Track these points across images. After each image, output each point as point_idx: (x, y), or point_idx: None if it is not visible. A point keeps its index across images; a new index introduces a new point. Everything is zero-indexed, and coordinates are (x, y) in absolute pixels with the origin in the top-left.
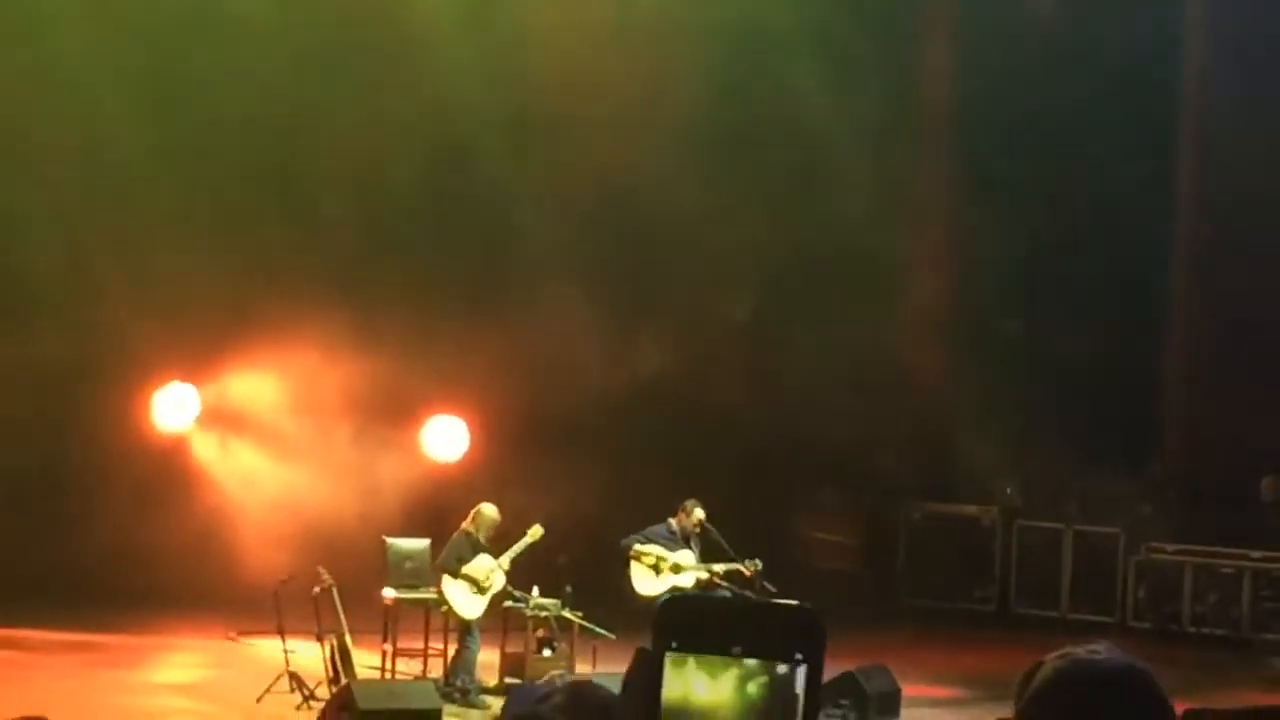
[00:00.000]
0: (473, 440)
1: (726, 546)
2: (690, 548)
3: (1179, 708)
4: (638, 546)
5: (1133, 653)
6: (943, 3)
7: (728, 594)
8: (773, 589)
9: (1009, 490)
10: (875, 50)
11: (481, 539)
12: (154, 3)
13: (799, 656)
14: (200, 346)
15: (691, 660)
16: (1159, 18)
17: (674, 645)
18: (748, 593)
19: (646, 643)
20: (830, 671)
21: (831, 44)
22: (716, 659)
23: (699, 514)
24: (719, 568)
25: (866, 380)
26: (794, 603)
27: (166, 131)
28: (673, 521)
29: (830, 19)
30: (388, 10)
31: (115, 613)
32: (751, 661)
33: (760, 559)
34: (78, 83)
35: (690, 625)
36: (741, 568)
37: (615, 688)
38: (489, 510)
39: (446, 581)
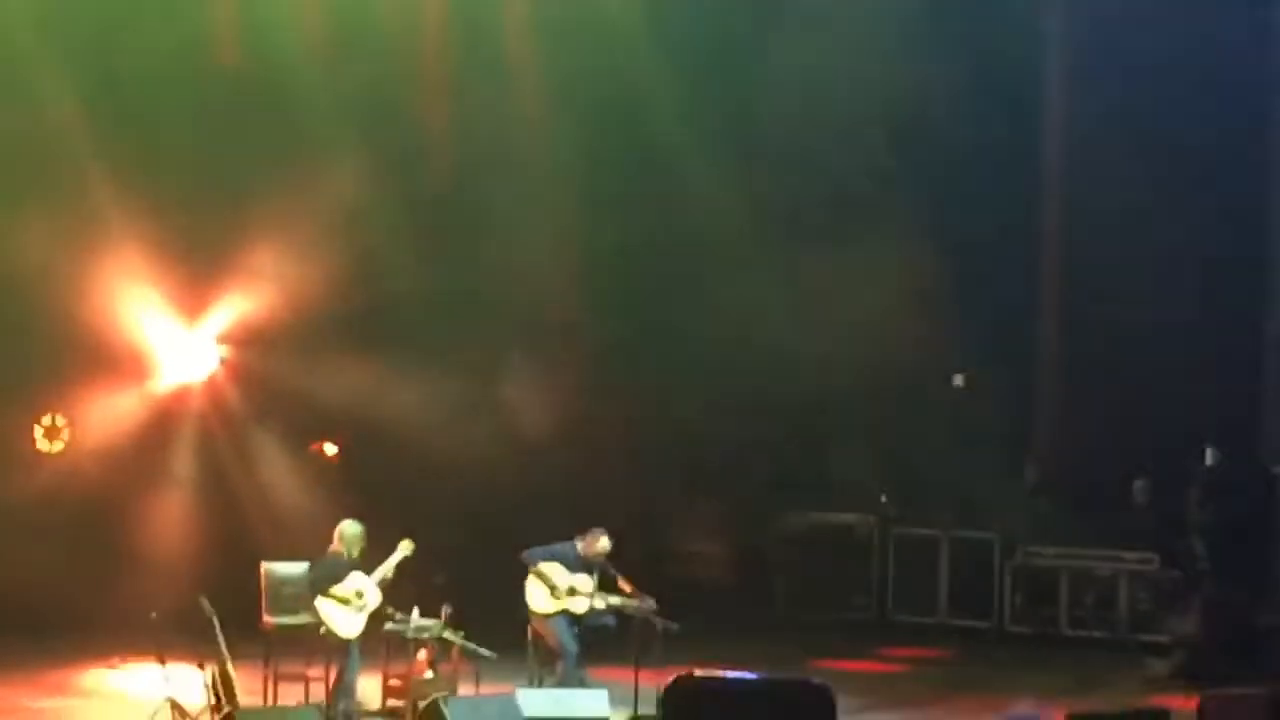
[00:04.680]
0: (347, 462)
1: (625, 586)
2: (590, 574)
3: (1061, 711)
4: (540, 565)
5: (1012, 658)
6: None
7: (612, 619)
8: (653, 604)
9: (883, 498)
10: None
11: (353, 556)
12: None
13: None
14: (76, 368)
15: None
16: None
17: None
18: (627, 607)
19: (528, 662)
20: None
21: None
22: None
23: (603, 544)
24: (615, 600)
25: (737, 386)
26: (805, 679)
27: None
28: (579, 544)
29: None
30: None
31: None
32: None
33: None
34: None
35: (700, 708)
36: (636, 606)
37: (498, 709)
38: (350, 526)
39: (320, 602)
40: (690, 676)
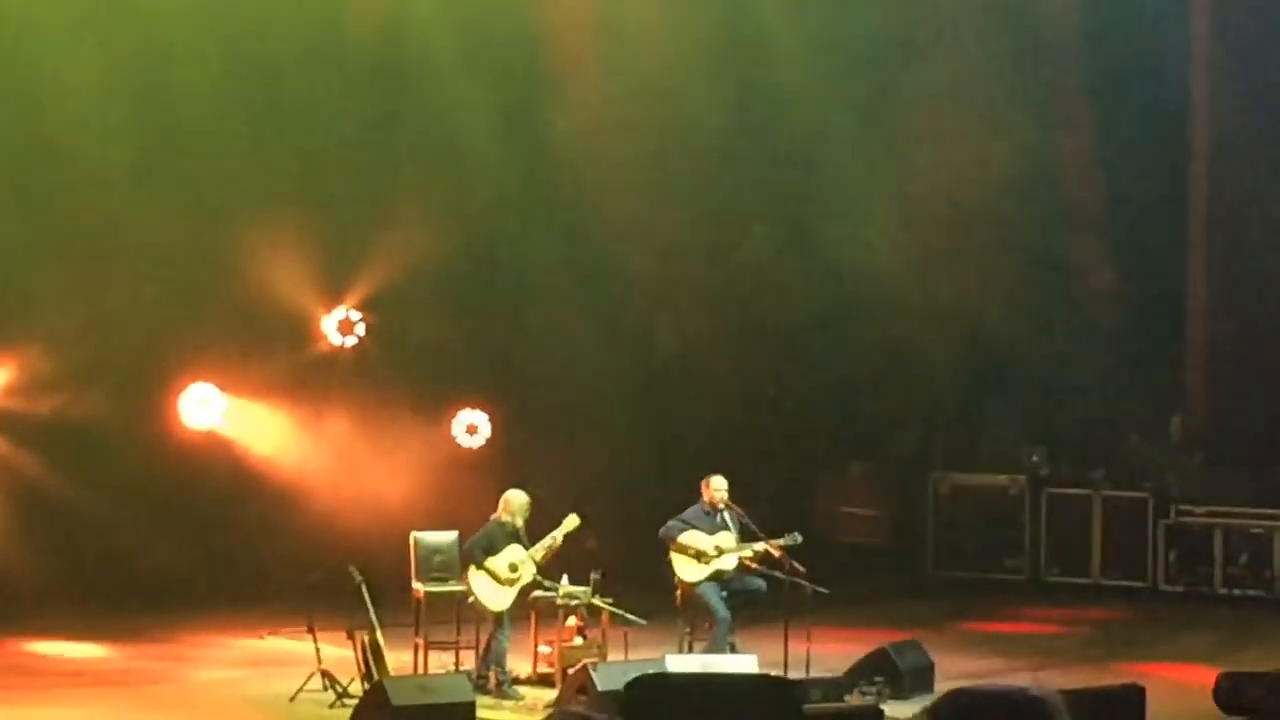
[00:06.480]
0: (495, 428)
1: (753, 526)
2: (728, 526)
3: (1214, 671)
4: (680, 538)
5: (1166, 617)
6: None
7: (761, 581)
8: (801, 569)
9: (1035, 458)
10: None
11: (516, 525)
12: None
13: None
14: (217, 343)
15: None
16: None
17: None
18: (777, 573)
19: (678, 628)
20: (862, 648)
21: None
22: None
23: (716, 482)
24: (760, 546)
25: (889, 353)
26: (766, 674)
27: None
28: (705, 502)
29: None
30: None
31: (143, 617)
32: None
33: (799, 535)
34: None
35: (662, 708)
36: (770, 548)
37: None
38: (516, 495)
39: (472, 573)
40: (651, 675)
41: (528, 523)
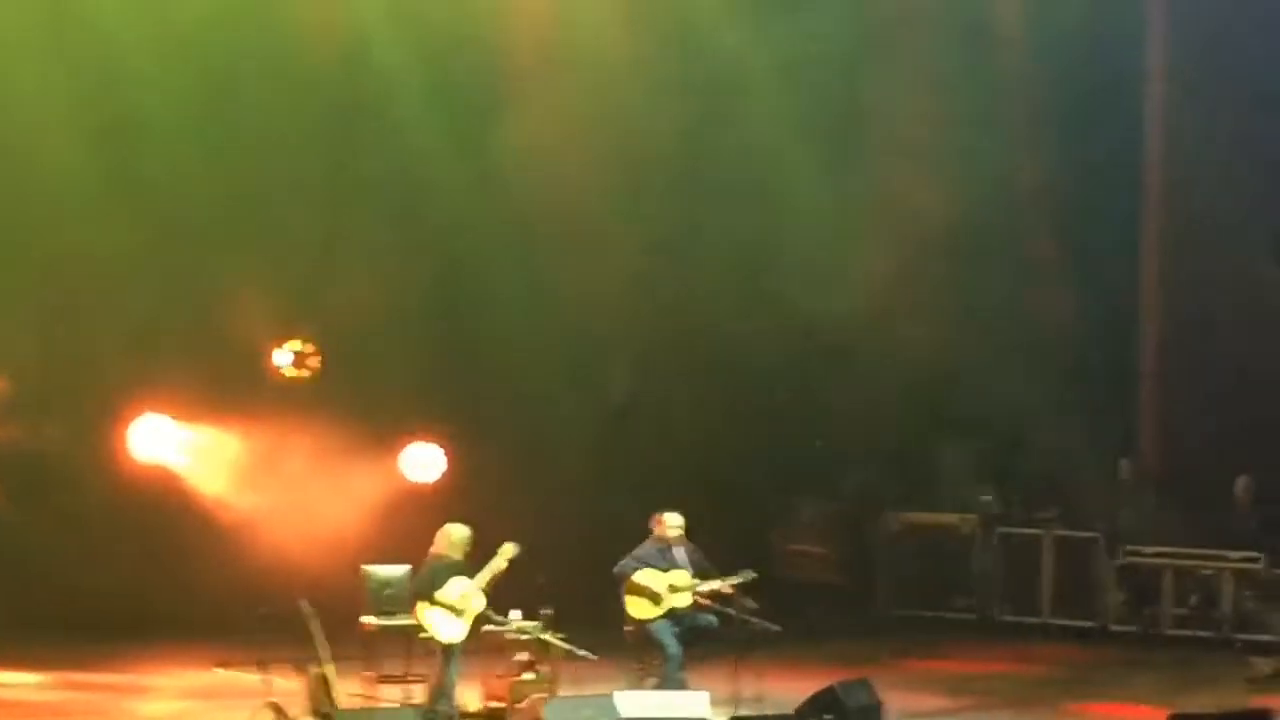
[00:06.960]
0: (449, 463)
1: (708, 564)
2: (681, 563)
3: (1163, 711)
4: (634, 578)
5: (1115, 657)
6: None
7: (713, 618)
8: (753, 605)
9: (987, 498)
10: None
11: (457, 559)
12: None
13: None
14: (171, 375)
15: None
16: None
17: None
18: (730, 610)
19: (629, 664)
20: (811, 686)
21: None
22: None
23: (669, 519)
24: (715, 584)
25: (842, 393)
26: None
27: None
28: (656, 538)
29: None
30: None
31: (91, 648)
32: None
33: (752, 571)
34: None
35: None
36: (721, 586)
37: (596, 710)
38: (456, 529)
39: (425, 609)
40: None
41: (468, 557)
